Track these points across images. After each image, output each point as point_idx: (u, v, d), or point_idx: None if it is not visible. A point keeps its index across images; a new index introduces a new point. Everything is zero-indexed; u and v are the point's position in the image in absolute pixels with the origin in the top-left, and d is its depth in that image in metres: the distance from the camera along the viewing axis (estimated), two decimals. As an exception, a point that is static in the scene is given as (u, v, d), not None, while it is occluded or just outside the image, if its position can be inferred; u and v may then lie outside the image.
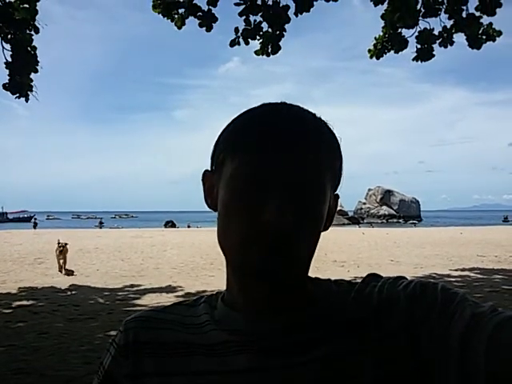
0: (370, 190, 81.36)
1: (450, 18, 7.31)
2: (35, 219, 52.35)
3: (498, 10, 6.97)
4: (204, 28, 6.99)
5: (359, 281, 0.61)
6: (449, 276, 10.58)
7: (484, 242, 20.71)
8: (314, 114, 0.59)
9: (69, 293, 9.15)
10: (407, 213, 75.72)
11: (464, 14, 7.23)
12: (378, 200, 78.26)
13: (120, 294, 8.96)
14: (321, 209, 0.56)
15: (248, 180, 0.54)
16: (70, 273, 11.58)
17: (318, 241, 0.58)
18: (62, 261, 11.80)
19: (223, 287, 0.64)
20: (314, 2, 6.81)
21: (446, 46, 7.52)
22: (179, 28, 7.18)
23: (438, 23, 7.45)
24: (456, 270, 11.65)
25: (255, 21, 7.00)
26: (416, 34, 7.48)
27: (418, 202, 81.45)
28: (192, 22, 7.13)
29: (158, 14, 7.01)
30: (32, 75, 7.32)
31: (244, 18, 6.94)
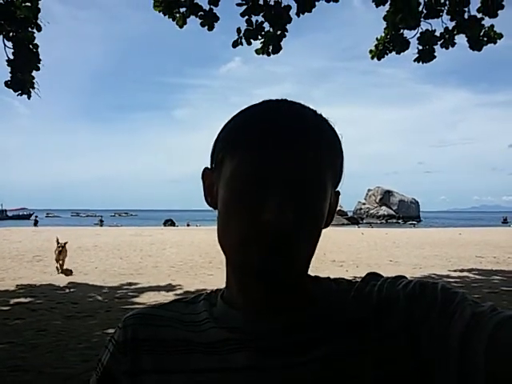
0: (369, 190, 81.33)
1: (451, 20, 7.31)
2: (36, 217, 52.33)
3: (499, 11, 6.98)
4: (206, 27, 6.99)
5: (359, 280, 0.61)
6: (448, 277, 10.57)
7: (483, 243, 20.68)
8: (315, 111, 0.59)
9: (67, 290, 9.14)
10: (406, 213, 75.71)
11: (466, 16, 7.23)
12: (377, 200, 78.23)
13: (118, 291, 8.95)
14: (321, 206, 0.56)
15: (248, 179, 0.53)
16: (68, 273, 11.30)
17: (319, 238, 0.57)
18: (60, 261, 11.49)
19: (222, 286, 0.64)
20: (316, 3, 6.81)
21: (447, 48, 7.52)
22: (181, 27, 7.17)
23: (439, 24, 7.46)
24: (455, 271, 11.64)
25: (257, 21, 6.99)
26: (418, 35, 7.48)
27: (417, 202, 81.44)
28: (193, 22, 7.13)
29: (159, 12, 7.00)
30: (34, 73, 7.32)
31: (246, 18, 6.93)
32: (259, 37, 7.11)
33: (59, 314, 6.99)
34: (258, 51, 7.27)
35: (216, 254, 13.63)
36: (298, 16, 6.86)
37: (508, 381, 0.44)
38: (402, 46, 7.67)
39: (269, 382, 0.54)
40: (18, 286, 9.57)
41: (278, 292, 0.58)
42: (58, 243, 11.57)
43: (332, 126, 0.59)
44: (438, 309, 0.51)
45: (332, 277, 0.64)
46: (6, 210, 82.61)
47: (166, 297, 8.12)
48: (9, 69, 7.16)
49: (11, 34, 6.98)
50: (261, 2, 6.85)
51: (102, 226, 48.26)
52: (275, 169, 0.53)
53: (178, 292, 8.78)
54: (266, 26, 7.09)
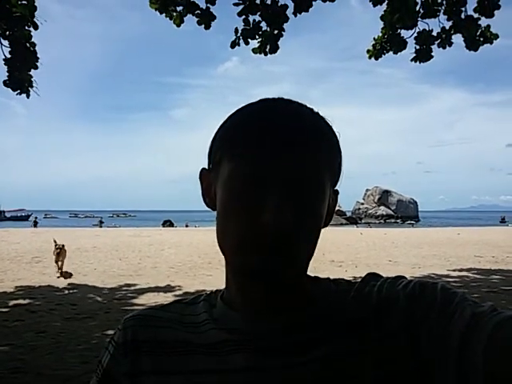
0: (368, 190, 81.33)
1: (448, 19, 7.32)
2: (36, 218, 52.23)
3: (496, 12, 6.99)
4: (202, 26, 6.98)
5: (358, 280, 0.61)
6: (446, 276, 10.58)
7: (481, 242, 20.71)
8: (312, 109, 0.58)
9: (66, 292, 9.12)
10: (405, 213, 75.73)
11: (463, 16, 7.24)
12: (375, 200, 78.25)
13: (117, 293, 8.94)
14: (320, 206, 0.55)
15: (246, 180, 0.53)
16: (67, 276, 11.06)
17: (319, 238, 0.57)
18: (60, 263, 11.25)
19: (221, 286, 0.64)
20: (313, 2, 6.81)
21: (444, 47, 7.53)
22: (178, 26, 7.16)
23: (436, 24, 7.47)
24: (453, 271, 11.65)
25: (254, 20, 6.99)
26: (415, 34, 7.49)
27: (415, 202, 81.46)
28: (190, 21, 7.13)
29: (156, 10, 6.99)
30: (32, 71, 7.31)
31: (243, 17, 6.93)
32: (257, 36, 7.10)
33: (58, 316, 6.98)
34: (255, 50, 7.27)
35: (215, 255, 13.62)
36: (295, 15, 6.86)
37: (507, 381, 0.44)
38: (399, 45, 7.68)
39: (268, 383, 0.54)
40: (16, 287, 9.54)
41: (277, 292, 0.58)
42: (56, 244, 11.36)
43: (330, 125, 0.58)
44: (437, 309, 0.51)
45: (331, 277, 0.64)
46: (4, 211, 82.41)
47: (166, 298, 8.11)
48: (6, 68, 7.16)
49: (7, 32, 6.96)
50: (257, 1, 6.85)
51: (101, 227, 48.15)
52: (273, 168, 0.52)
53: (177, 293, 8.77)
54: (263, 25, 7.09)
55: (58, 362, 4.83)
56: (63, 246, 11.38)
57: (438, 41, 7.49)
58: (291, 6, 6.81)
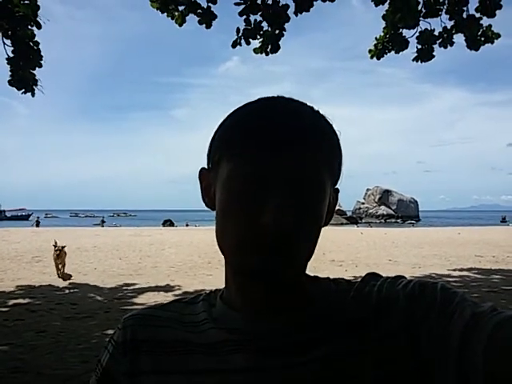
0: (368, 189, 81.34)
1: (450, 19, 7.32)
2: (38, 217, 52.28)
3: (497, 11, 6.99)
4: (204, 25, 6.99)
5: (358, 280, 0.61)
6: (447, 276, 10.58)
7: (482, 242, 20.69)
8: (312, 108, 0.58)
9: (66, 291, 9.13)
10: (405, 213, 75.73)
11: (464, 15, 7.24)
12: (376, 200, 78.25)
13: (117, 292, 8.94)
14: (321, 205, 0.55)
15: (246, 180, 0.52)
16: (67, 277, 10.73)
17: (319, 237, 0.57)
18: (60, 265, 10.88)
19: (221, 286, 0.64)
20: (314, 2, 6.81)
21: (445, 47, 7.53)
22: (180, 25, 7.16)
23: (438, 24, 7.47)
24: (454, 270, 11.65)
25: (255, 20, 6.99)
26: (417, 34, 7.49)
27: (416, 202, 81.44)
28: (191, 21, 7.14)
29: (157, 9, 7.00)
30: (37, 70, 7.32)
31: (244, 17, 6.93)
32: (258, 36, 7.10)
33: (58, 315, 6.99)
34: (256, 50, 7.27)
35: (215, 254, 13.62)
36: (296, 15, 6.86)
37: (507, 381, 0.43)
38: (401, 45, 7.68)
39: (269, 383, 0.54)
40: (16, 286, 9.55)
41: (277, 292, 0.57)
42: (56, 246, 11.00)
43: (330, 123, 0.58)
44: (437, 309, 0.51)
45: (331, 277, 0.64)
46: (4, 211, 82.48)
47: (166, 297, 8.11)
48: (9, 67, 7.16)
49: (10, 32, 6.97)
50: (259, 1, 6.85)
51: (103, 226, 48.16)
52: (273, 168, 0.52)
53: (177, 292, 8.77)
54: (265, 25, 7.09)
55: (58, 361, 4.84)
56: (63, 247, 11.02)
57: (440, 40, 7.49)
58: (292, 5, 6.82)
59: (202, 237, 22.38)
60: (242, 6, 6.79)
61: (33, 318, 6.76)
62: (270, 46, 7.23)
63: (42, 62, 7.28)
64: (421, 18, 7.32)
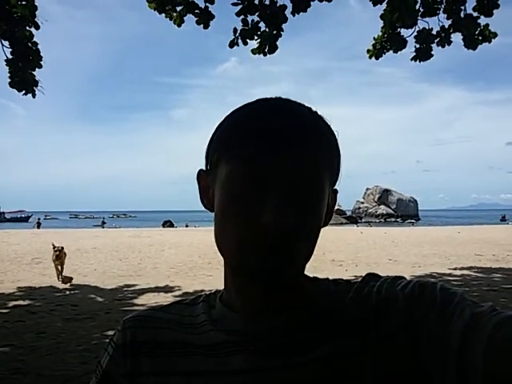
0: (368, 189, 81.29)
1: (448, 18, 7.33)
2: (39, 219, 52.30)
3: (495, 11, 7.00)
4: (201, 25, 6.99)
5: (358, 280, 0.61)
6: (447, 275, 10.58)
7: (482, 241, 20.71)
8: (310, 108, 0.58)
9: (67, 292, 9.12)
10: (405, 212, 75.68)
11: (462, 14, 7.25)
12: (375, 199, 78.22)
13: (118, 293, 8.93)
14: (320, 205, 0.55)
15: (244, 181, 0.52)
16: (67, 280, 10.38)
17: (318, 237, 0.57)
18: (59, 267, 10.55)
19: (221, 287, 0.64)
20: (311, 2, 6.82)
21: (443, 46, 7.54)
22: (179, 26, 7.17)
23: (436, 23, 7.48)
24: (454, 269, 11.65)
25: (253, 21, 6.99)
26: (415, 33, 7.50)
27: (415, 201, 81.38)
28: (189, 22, 7.14)
29: (154, 10, 7.00)
30: (36, 71, 7.32)
31: (241, 18, 6.93)
32: (255, 37, 7.10)
33: (58, 317, 6.98)
34: (254, 51, 7.27)
35: (215, 255, 13.60)
36: (294, 15, 6.87)
37: (507, 381, 0.43)
38: (399, 44, 7.68)
39: (268, 383, 0.54)
40: (17, 288, 9.54)
41: (276, 291, 0.57)
42: (55, 247, 10.75)
43: (328, 123, 0.58)
44: (437, 309, 0.51)
45: (331, 277, 0.64)
46: (3, 213, 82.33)
47: (166, 298, 8.11)
48: (8, 69, 7.16)
49: (8, 33, 6.96)
50: (256, 1, 6.85)
51: (103, 227, 48.12)
52: (272, 168, 0.52)
53: (178, 293, 8.77)
54: (262, 25, 7.09)
55: (58, 362, 4.83)
56: (62, 248, 10.80)
57: (438, 39, 7.50)
58: (289, 5, 6.82)
59: (201, 237, 22.39)
60: (240, 7, 6.79)
61: (33, 320, 6.75)
62: (267, 47, 7.23)
63: (42, 62, 7.29)
64: (419, 18, 7.33)
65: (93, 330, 6.10)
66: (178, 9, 7.05)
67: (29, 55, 7.16)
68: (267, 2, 6.90)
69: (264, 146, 0.52)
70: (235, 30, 6.97)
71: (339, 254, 15.78)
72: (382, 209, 76.35)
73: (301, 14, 6.81)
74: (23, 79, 7.19)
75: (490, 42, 7.43)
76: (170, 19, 7.15)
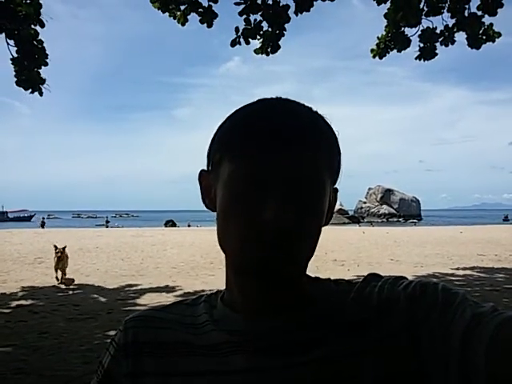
0: (370, 189, 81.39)
1: (452, 17, 7.32)
2: (43, 218, 52.53)
3: (499, 10, 6.98)
4: (205, 24, 7.01)
5: (359, 280, 0.61)
6: (449, 275, 10.58)
7: (484, 241, 20.71)
8: (311, 108, 0.58)
9: (70, 292, 9.16)
10: (407, 212, 75.73)
11: (466, 13, 7.24)
12: (378, 199, 78.27)
13: (120, 293, 8.96)
14: (320, 204, 0.55)
15: (246, 180, 0.53)
16: (69, 282, 9.99)
17: (319, 236, 0.57)
18: (60, 269, 10.15)
19: (223, 287, 0.64)
20: (314, 2, 6.82)
21: (447, 45, 7.53)
22: (183, 25, 7.19)
23: (440, 22, 7.48)
24: (456, 269, 11.65)
25: (255, 20, 7.00)
26: (419, 32, 7.49)
27: (418, 201, 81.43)
28: (193, 21, 7.16)
29: (158, 9, 7.02)
30: (42, 69, 7.35)
31: (244, 17, 6.94)
32: (258, 36, 7.11)
33: (61, 317, 7.00)
34: (257, 51, 7.28)
35: (217, 255, 13.63)
36: (297, 15, 6.88)
37: (508, 382, 0.43)
38: (403, 43, 7.68)
39: (269, 383, 0.54)
40: (19, 288, 9.58)
41: (278, 290, 0.57)
42: (57, 249, 10.29)
43: (328, 123, 0.58)
44: (438, 309, 0.51)
45: (332, 278, 0.64)
46: (6, 212, 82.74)
47: (168, 298, 8.13)
48: (14, 67, 7.19)
49: (15, 31, 6.99)
50: (259, 1, 6.86)
51: (107, 226, 48.23)
52: (273, 168, 0.52)
53: (179, 293, 8.78)
54: (265, 25, 7.10)
55: (61, 362, 4.85)
56: (64, 249, 10.37)
57: (441, 39, 7.49)
58: (292, 5, 6.82)
59: (203, 237, 22.44)
60: (242, 6, 6.80)
61: (35, 320, 6.78)
62: (270, 46, 7.24)
63: (48, 60, 7.32)
64: (423, 17, 7.32)
65: (95, 330, 6.12)
66: (182, 8, 7.07)
67: (34, 53, 7.20)
68: (270, 2, 6.90)
69: (265, 146, 0.53)
70: (237, 29, 6.98)
71: (341, 253, 15.79)
72: (384, 208, 76.37)
73: (304, 13, 6.82)
74: (29, 77, 7.22)
75: (493, 41, 7.42)
76: (174, 18, 7.18)
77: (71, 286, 9.76)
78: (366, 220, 69.94)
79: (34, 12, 6.88)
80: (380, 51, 7.87)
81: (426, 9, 7.22)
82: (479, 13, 7.17)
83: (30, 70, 7.21)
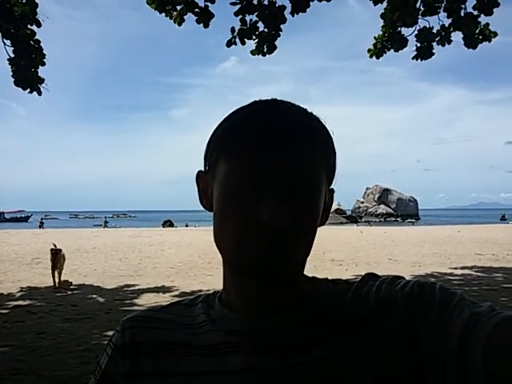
0: (367, 188, 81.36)
1: (448, 17, 7.33)
2: (42, 218, 52.34)
3: (495, 9, 7.00)
4: (201, 24, 7.00)
5: (357, 280, 0.61)
6: (447, 274, 10.60)
7: (482, 240, 20.75)
8: (306, 110, 0.59)
9: (68, 292, 9.14)
10: (405, 211, 75.74)
11: (462, 13, 7.25)
12: (375, 199, 78.27)
13: (118, 293, 8.95)
14: (317, 205, 0.56)
15: (242, 179, 0.53)
16: (66, 285, 9.74)
17: (315, 236, 0.57)
18: (57, 271, 9.75)
19: (221, 287, 0.64)
20: (310, 3, 6.82)
21: (443, 45, 7.54)
22: (179, 25, 7.18)
23: (436, 22, 7.49)
24: (454, 269, 11.66)
25: (251, 20, 7.00)
26: (415, 32, 7.50)
27: (415, 200, 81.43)
28: (189, 21, 7.15)
29: (155, 10, 7.01)
30: (40, 68, 7.33)
31: (240, 17, 6.94)
32: (253, 36, 7.11)
33: (58, 317, 6.99)
34: (253, 52, 7.29)
35: (215, 255, 13.56)
36: (293, 15, 6.88)
37: (506, 382, 0.43)
38: (400, 43, 7.69)
39: (268, 383, 0.54)
40: (17, 288, 9.56)
41: (276, 289, 0.58)
42: (52, 250, 9.91)
43: (323, 124, 0.59)
44: (436, 309, 0.51)
45: (330, 277, 0.64)
46: (3, 213, 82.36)
47: (165, 298, 8.12)
48: (11, 67, 7.16)
49: (12, 31, 6.96)
50: (255, 1, 6.86)
51: (106, 226, 48.05)
52: (269, 169, 0.53)
53: (177, 293, 8.78)
54: (261, 25, 7.10)
55: (58, 362, 4.84)
56: (60, 250, 9.97)
57: (438, 38, 7.51)
58: (288, 6, 6.83)
59: (201, 237, 22.41)
60: (238, 6, 6.80)
61: (33, 320, 6.76)
62: (266, 47, 7.24)
63: (45, 60, 7.31)
64: (419, 16, 7.33)
65: (93, 330, 6.11)
66: (178, 8, 7.06)
67: (31, 53, 7.18)
68: (266, 3, 6.90)
69: (262, 146, 0.53)
70: (233, 29, 6.98)
71: (339, 253, 15.80)
72: (382, 208, 76.41)
73: (300, 14, 6.82)
74: (28, 77, 7.20)
75: (490, 41, 7.44)
76: (170, 18, 7.16)
77: (71, 287, 9.74)
78: (363, 220, 69.92)
79: (29, 11, 6.86)
80: (377, 51, 7.88)
81: (422, 8, 7.23)
82: (475, 12, 7.18)
83: (27, 70, 7.19)
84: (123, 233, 28.86)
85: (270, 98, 0.60)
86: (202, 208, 0.63)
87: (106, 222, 53.64)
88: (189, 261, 14.10)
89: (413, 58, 7.69)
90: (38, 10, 6.97)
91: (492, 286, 9.05)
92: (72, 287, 9.71)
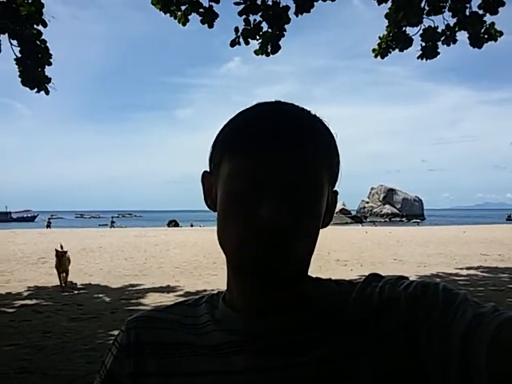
0: (372, 188, 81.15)
1: (453, 16, 7.30)
2: (49, 218, 52.54)
3: (500, 8, 6.96)
4: (206, 25, 7.01)
5: (360, 280, 0.61)
6: (452, 275, 10.55)
7: (487, 240, 20.62)
8: (309, 112, 0.59)
9: (74, 292, 9.18)
10: (410, 211, 75.45)
11: (467, 12, 7.22)
12: (380, 199, 78.03)
13: (123, 293, 8.98)
14: (318, 206, 0.56)
15: (245, 180, 0.54)
16: (72, 287, 9.64)
17: (317, 238, 0.58)
18: (63, 273, 9.56)
19: (226, 286, 0.65)
20: (315, 3, 6.82)
21: (448, 44, 7.52)
22: (183, 25, 7.20)
23: (441, 21, 7.46)
24: (460, 269, 11.60)
25: (255, 20, 7.00)
26: (420, 32, 7.47)
27: (420, 200, 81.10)
28: (194, 21, 7.17)
29: (160, 10, 7.03)
30: (47, 68, 7.37)
31: (244, 17, 6.94)
32: (257, 36, 7.11)
33: (64, 316, 7.02)
34: (257, 52, 7.29)
35: (219, 255, 13.34)
36: (297, 16, 6.88)
37: (510, 382, 0.43)
38: (404, 43, 7.67)
39: (270, 383, 0.54)
40: (23, 287, 9.61)
41: (277, 290, 0.58)
42: (57, 252, 9.73)
43: (327, 126, 0.59)
44: (439, 309, 0.51)
45: (333, 278, 0.64)
46: (10, 212, 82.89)
47: (171, 298, 8.13)
48: (18, 67, 7.20)
49: (18, 31, 7.01)
50: (259, 1, 6.86)
51: (113, 226, 48.14)
52: (272, 170, 0.53)
53: (182, 293, 8.79)
54: (265, 25, 7.11)
55: (64, 362, 4.86)
56: (65, 252, 9.78)
57: (443, 38, 7.48)
58: (292, 6, 6.82)
59: (206, 237, 22.42)
60: (242, 6, 6.80)
61: (39, 319, 6.80)
62: (270, 47, 7.24)
63: (51, 60, 7.34)
64: (424, 16, 7.31)
65: (98, 330, 6.14)
66: (183, 8, 7.08)
67: (38, 53, 7.22)
68: (270, 3, 6.90)
69: (266, 147, 0.53)
70: (237, 29, 6.99)
71: (344, 253, 15.76)
72: (387, 208, 76.15)
73: (304, 14, 6.81)
74: (35, 77, 7.24)
75: (495, 40, 7.40)
76: (175, 18, 7.18)
77: (77, 287, 9.79)
78: (368, 220, 69.71)
79: (36, 11, 6.90)
80: (382, 51, 7.86)
81: (427, 8, 7.21)
82: (480, 11, 7.15)
83: (34, 70, 7.23)
84: (129, 232, 28.95)
85: (273, 99, 0.60)
86: (207, 208, 0.64)
87: (112, 222, 53.65)
88: (194, 260, 14.12)
89: (418, 58, 7.67)
90: (44, 10, 7.02)
91: (498, 286, 9.00)
92: (78, 287, 9.75)
